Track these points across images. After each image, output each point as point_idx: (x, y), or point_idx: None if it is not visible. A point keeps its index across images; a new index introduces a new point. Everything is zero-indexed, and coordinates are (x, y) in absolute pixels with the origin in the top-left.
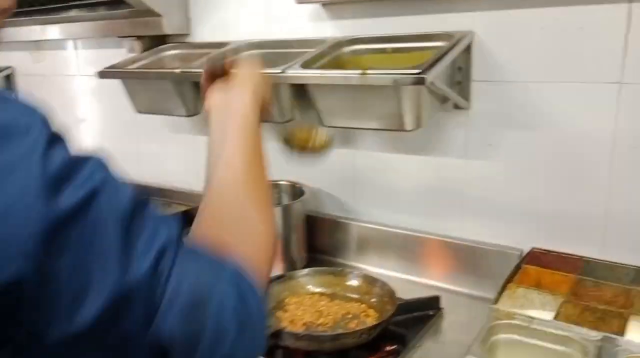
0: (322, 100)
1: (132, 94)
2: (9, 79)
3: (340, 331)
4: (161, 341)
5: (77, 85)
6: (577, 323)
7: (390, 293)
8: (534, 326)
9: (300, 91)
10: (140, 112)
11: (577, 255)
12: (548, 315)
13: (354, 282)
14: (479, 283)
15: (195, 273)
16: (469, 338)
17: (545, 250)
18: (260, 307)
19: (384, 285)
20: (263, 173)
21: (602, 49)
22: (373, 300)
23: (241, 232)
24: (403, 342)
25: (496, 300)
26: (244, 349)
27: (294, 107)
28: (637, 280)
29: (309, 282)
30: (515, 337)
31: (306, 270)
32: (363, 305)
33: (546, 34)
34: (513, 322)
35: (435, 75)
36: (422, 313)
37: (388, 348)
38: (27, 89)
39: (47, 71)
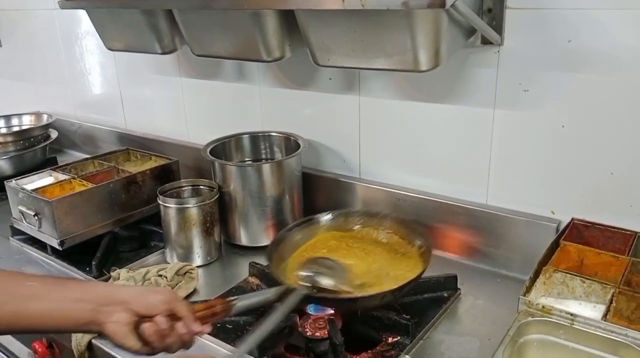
0: (314, 32)
1: (101, 28)
2: None
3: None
4: None
5: (57, 19)
6: (633, 322)
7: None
8: (577, 326)
9: (291, 20)
10: (111, 49)
11: (629, 230)
12: (595, 311)
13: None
14: (506, 260)
15: None
16: (490, 331)
17: (589, 222)
18: None
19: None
20: None
21: None
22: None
23: None
24: (408, 331)
25: (528, 289)
26: None
27: (283, 41)
28: None
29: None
30: (552, 338)
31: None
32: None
33: None
34: (550, 319)
35: None
36: (434, 294)
37: (390, 340)
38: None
39: (28, 5)
